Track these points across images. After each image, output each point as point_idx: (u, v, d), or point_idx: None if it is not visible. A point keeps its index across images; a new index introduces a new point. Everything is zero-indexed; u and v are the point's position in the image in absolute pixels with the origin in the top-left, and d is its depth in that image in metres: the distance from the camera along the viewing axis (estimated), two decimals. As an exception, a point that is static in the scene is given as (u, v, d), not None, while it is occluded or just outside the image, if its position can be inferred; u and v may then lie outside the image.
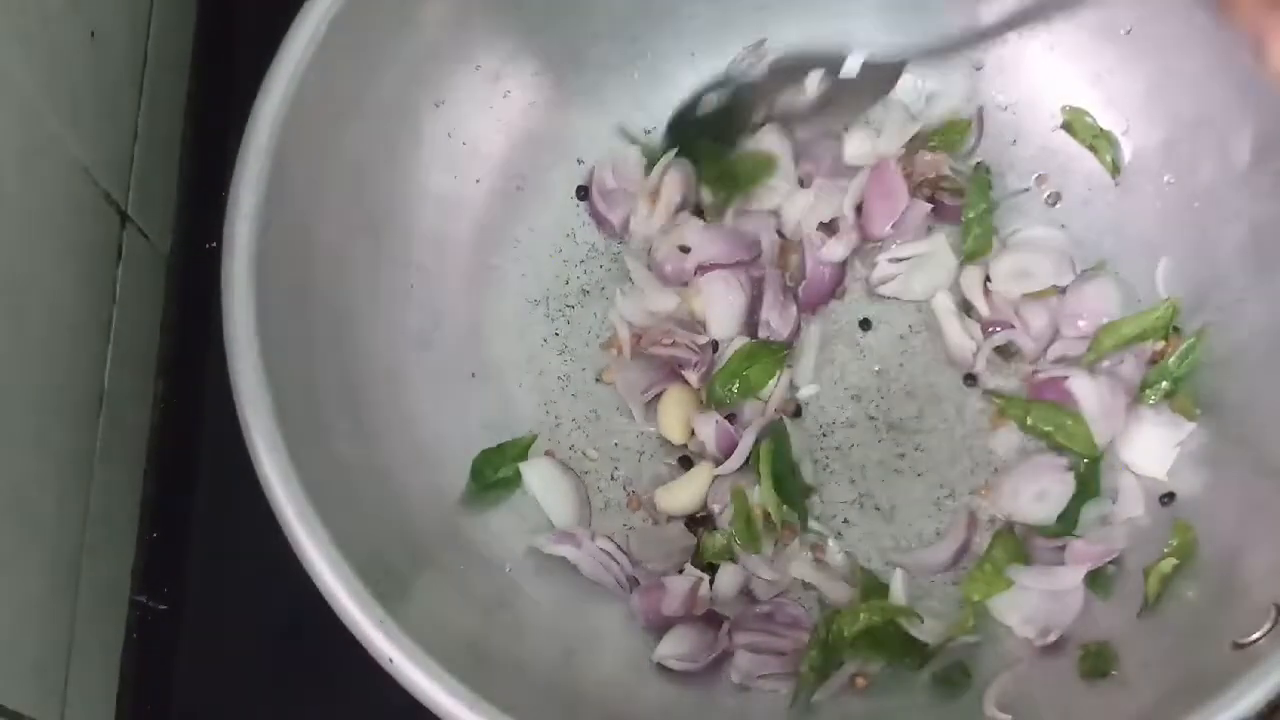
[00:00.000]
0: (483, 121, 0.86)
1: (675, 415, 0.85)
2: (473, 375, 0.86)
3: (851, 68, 0.85)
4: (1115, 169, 0.88)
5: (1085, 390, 0.83)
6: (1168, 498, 0.81)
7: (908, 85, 0.90)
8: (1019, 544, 0.82)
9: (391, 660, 0.65)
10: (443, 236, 0.86)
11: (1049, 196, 0.90)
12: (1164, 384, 0.84)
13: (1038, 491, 0.83)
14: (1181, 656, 0.73)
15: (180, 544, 0.87)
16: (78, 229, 0.79)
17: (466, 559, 0.80)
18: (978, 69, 0.90)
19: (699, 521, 0.84)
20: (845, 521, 0.85)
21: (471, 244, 0.87)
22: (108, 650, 0.84)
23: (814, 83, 0.86)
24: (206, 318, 0.71)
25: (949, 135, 0.90)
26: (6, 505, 0.71)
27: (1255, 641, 0.67)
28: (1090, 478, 0.83)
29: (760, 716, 0.79)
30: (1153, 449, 0.83)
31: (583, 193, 0.90)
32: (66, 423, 0.78)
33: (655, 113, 0.91)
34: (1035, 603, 0.80)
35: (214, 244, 0.71)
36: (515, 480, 0.84)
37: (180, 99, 0.94)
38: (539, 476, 0.84)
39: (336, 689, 0.80)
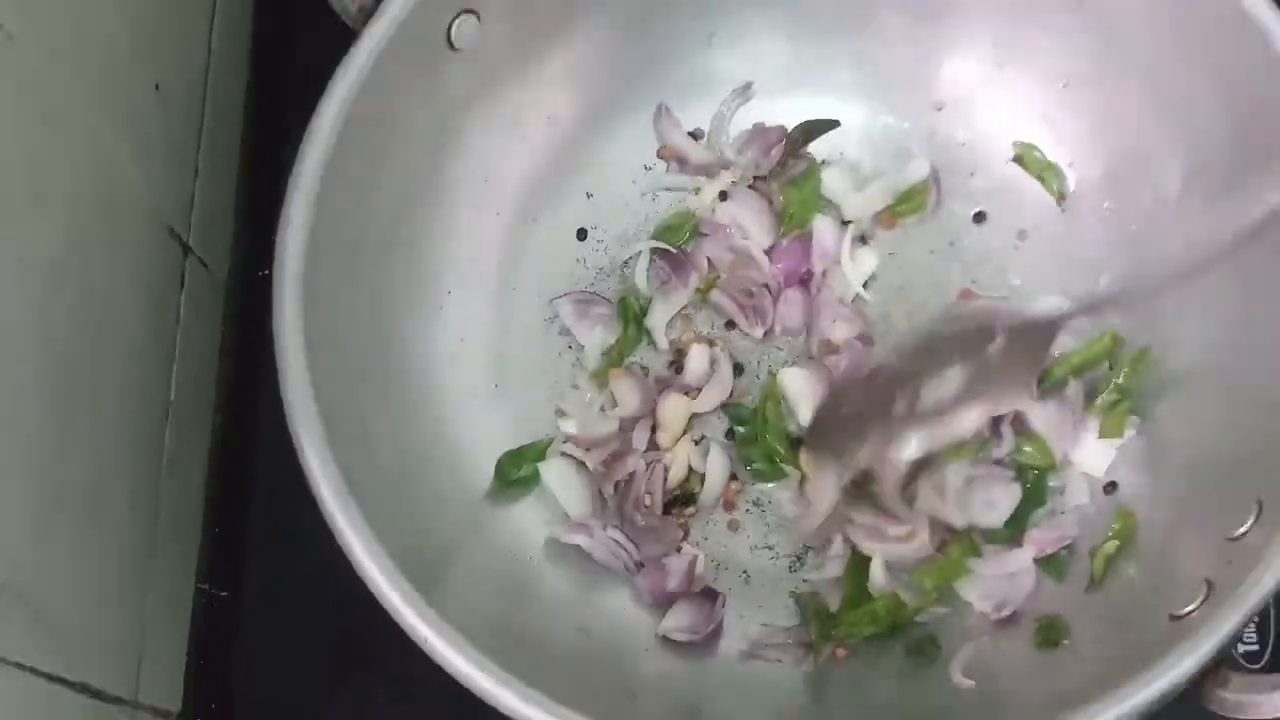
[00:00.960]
0: (502, 161, 0.87)
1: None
2: (496, 386, 0.86)
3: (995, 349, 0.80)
4: (1061, 196, 0.88)
5: (1039, 417, 0.83)
6: (1110, 486, 0.82)
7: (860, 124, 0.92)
8: (974, 544, 0.82)
9: (427, 640, 0.66)
10: (469, 263, 0.86)
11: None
12: (1113, 397, 0.84)
13: (986, 500, 0.82)
14: (1125, 628, 0.74)
15: (239, 539, 0.88)
16: (145, 260, 0.81)
17: (493, 550, 0.81)
18: (938, 109, 0.91)
19: (684, 501, 0.86)
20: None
21: (494, 269, 0.88)
22: (176, 633, 0.85)
23: (955, 375, 0.80)
24: (261, 338, 0.71)
25: (912, 200, 0.90)
26: (87, 507, 0.72)
27: (1190, 613, 0.68)
28: (1038, 488, 0.83)
29: (755, 682, 0.80)
30: (1095, 450, 0.83)
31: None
32: (137, 434, 0.80)
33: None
34: (990, 583, 0.81)
35: (266, 271, 0.72)
36: (534, 479, 0.84)
37: (235, 141, 0.95)
38: (556, 474, 0.84)
39: (378, 665, 0.82)
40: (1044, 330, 0.78)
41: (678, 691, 0.79)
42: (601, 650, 0.78)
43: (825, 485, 0.83)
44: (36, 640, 0.66)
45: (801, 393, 0.86)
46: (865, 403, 0.83)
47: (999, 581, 0.80)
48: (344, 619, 0.80)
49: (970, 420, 0.79)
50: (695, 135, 0.93)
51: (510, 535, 0.82)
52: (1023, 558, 0.80)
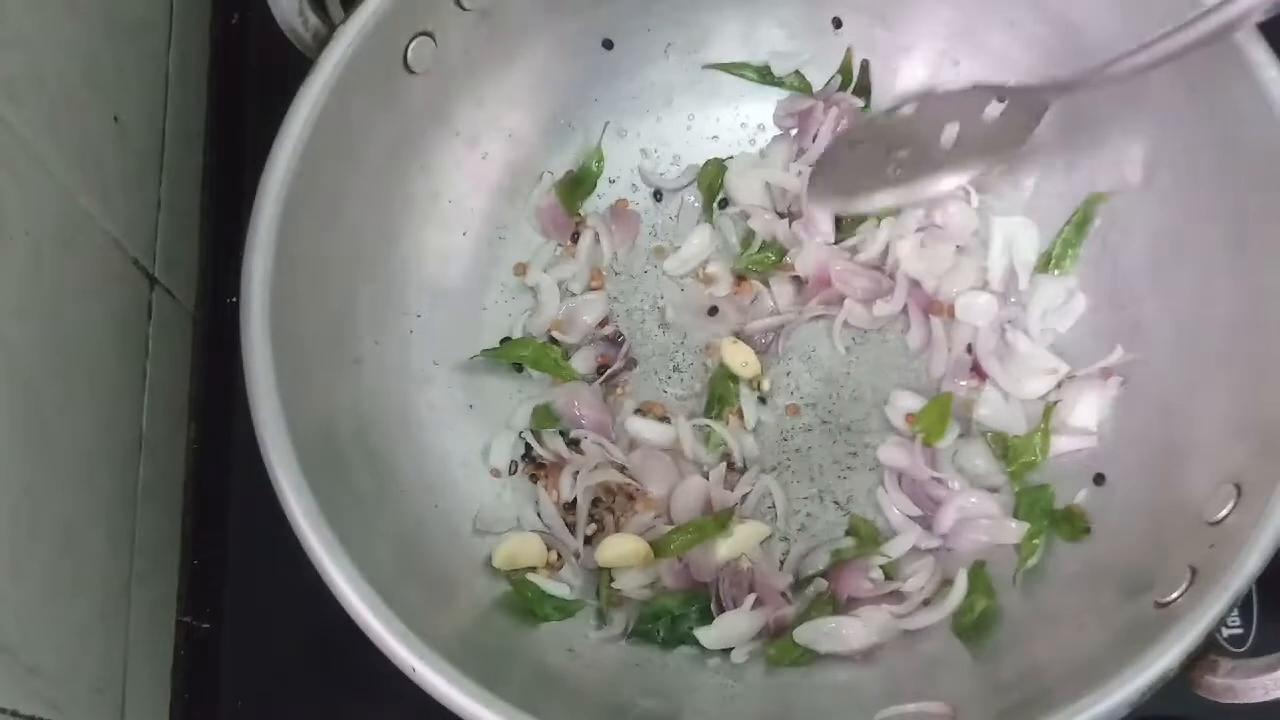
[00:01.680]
0: (465, 181, 0.87)
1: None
2: (470, 407, 0.86)
3: (991, 113, 0.81)
4: None
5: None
6: (1099, 478, 0.82)
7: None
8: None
9: (414, 669, 0.65)
10: (436, 284, 0.86)
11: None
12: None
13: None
14: (1112, 617, 0.73)
15: (218, 569, 0.86)
16: (112, 294, 0.80)
17: (476, 573, 0.80)
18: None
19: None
20: (808, 515, 0.85)
21: (462, 290, 0.87)
22: (159, 667, 0.84)
23: (951, 133, 0.83)
24: (231, 365, 0.71)
25: None
26: (61, 542, 0.71)
27: (1175, 600, 0.67)
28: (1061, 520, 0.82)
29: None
30: (1086, 409, 0.83)
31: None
32: (111, 466, 0.79)
33: (618, 163, 0.92)
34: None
35: (234, 299, 0.71)
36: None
37: (197, 172, 0.94)
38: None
39: (365, 694, 0.79)
40: (1039, 98, 0.79)
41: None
42: (587, 671, 0.77)
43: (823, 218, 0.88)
44: (17, 682, 0.65)
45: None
46: (860, 158, 0.85)
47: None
48: (327, 645, 0.79)
49: (954, 181, 0.84)
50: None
51: (490, 554, 0.81)
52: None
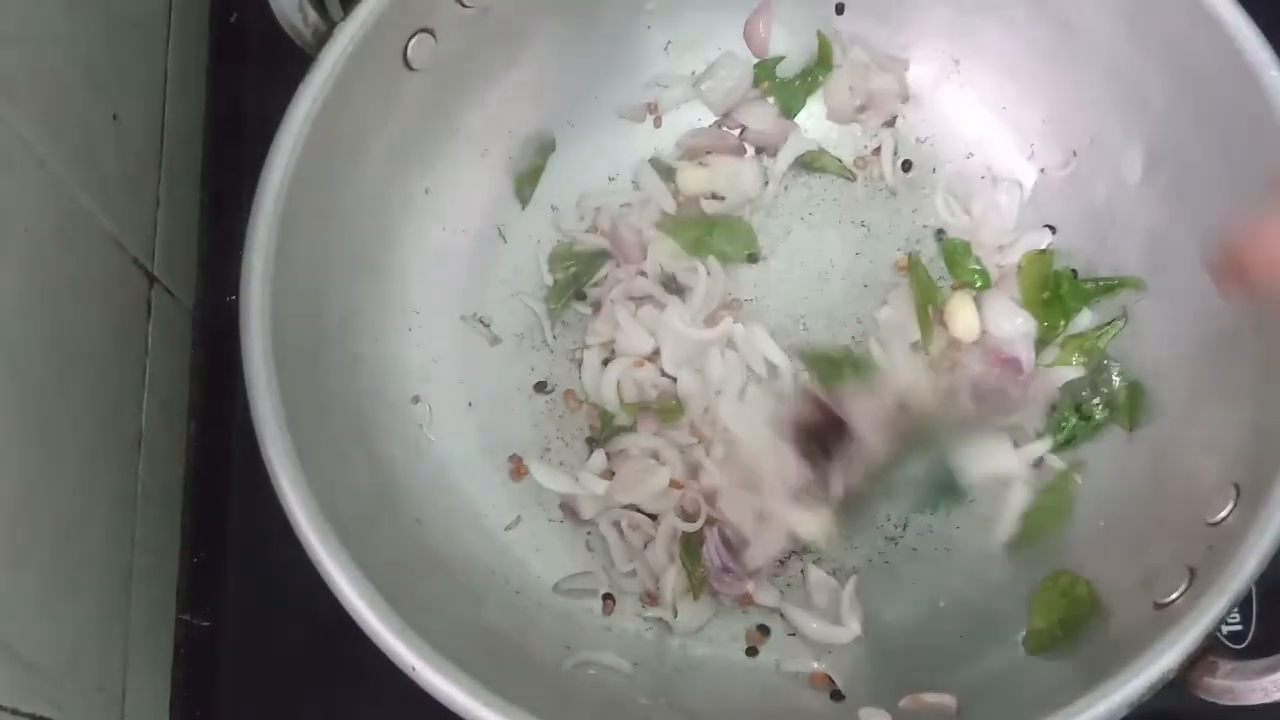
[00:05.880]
0: (465, 178, 0.86)
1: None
2: (470, 404, 0.85)
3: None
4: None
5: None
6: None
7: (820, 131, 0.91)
8: None
9: (414, 668, 0.64)
10: (436, 282, 0.85)
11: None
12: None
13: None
14: (1110, 618, 0.73)
15: (218, 567, 0.86)
16: (111, 292, 0.79)
17: (477, 572, 0.80)
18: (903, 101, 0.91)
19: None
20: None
21: (462, 287, 0.87)
22: (159, 664, 0.84)
23: None
24: (231, 363, 0.70)
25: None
26: (61, 540, 0.71)
27: (1174, 601, 0.67)
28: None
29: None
30: None
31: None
32: (110, 464, 0.79)
33: (619, 160, 0.91)
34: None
35: (233, 297, 0.70)
36: None
37: (196, 170, 0.94)
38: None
39: (365, 694, 0.79)
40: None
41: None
42: (584, 670, 0.77)
43: None
44: (16, 679, 0.65)
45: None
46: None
47: None
48: (328, 644, 0.79)
49: None
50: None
51: (494, 556, 0.81)
52: None
